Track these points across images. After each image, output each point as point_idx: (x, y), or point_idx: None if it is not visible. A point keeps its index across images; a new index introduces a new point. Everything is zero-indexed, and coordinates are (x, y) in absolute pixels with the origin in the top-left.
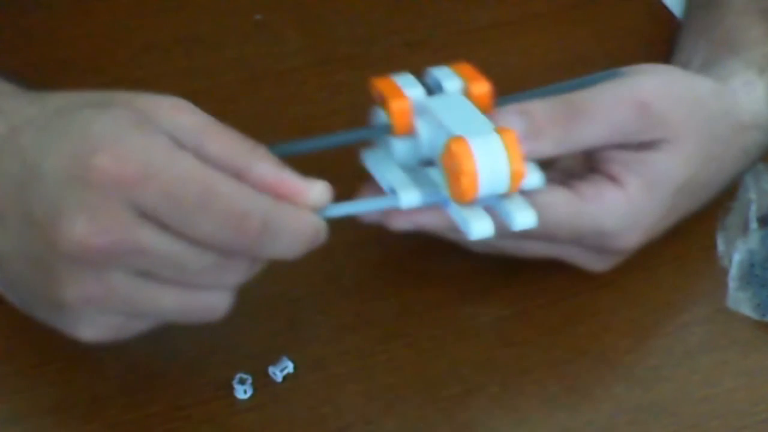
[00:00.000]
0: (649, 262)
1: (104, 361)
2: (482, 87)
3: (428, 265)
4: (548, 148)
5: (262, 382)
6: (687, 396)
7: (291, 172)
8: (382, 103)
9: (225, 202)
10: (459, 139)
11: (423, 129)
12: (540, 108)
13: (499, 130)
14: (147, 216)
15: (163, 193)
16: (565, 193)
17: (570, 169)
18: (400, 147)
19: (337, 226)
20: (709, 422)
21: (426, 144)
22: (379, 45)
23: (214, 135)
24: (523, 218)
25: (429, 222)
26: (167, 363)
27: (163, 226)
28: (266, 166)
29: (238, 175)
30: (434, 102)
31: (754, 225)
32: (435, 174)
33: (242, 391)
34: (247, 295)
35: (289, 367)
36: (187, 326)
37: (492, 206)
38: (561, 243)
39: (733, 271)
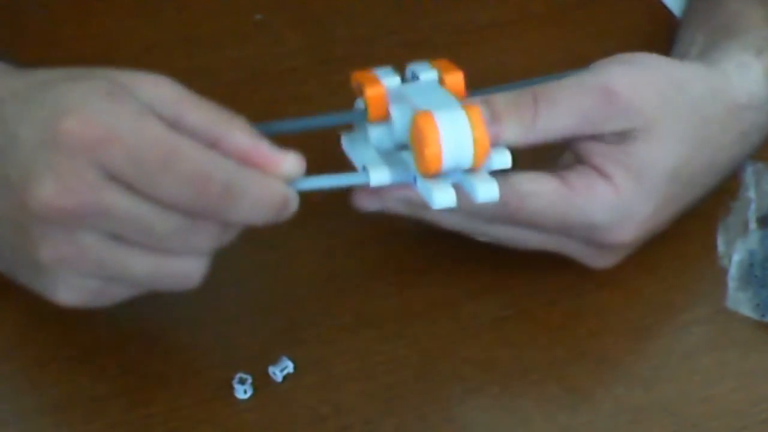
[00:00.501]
0: (649, 262)
1: (104, 361)
2: (456, 77)
3: (428, 265)
4: (512, 135)
5: (262, 382)
6: (687, 396)
7: (267, 143)
8: (360, 92)
9: (188, 164)
10: (424, 112)
11: (397, 115)
12: (502, 97)
13: (465, 106)
14: (113, 178)
15: (128, 155)
16: (553, 182)
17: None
18: (375, 132)
19: (337, 226)
20: (709, 422)
21: (400, 129)
22: (379, 45)
23: (192, 105)
24: (486, 191)
25: (394, 203)
26: (167, 363)
27: (129, 187)
28: (242, 136)
29: (215, 145)
30: (408, 88)
31: (753, 225)
32: (407, 156)
33: (242, 391)
34: (247, 295)
35: (289, 367)
36: (187, 319)
37: (458, 182)
38: (552, 234)
39: (733, 271)
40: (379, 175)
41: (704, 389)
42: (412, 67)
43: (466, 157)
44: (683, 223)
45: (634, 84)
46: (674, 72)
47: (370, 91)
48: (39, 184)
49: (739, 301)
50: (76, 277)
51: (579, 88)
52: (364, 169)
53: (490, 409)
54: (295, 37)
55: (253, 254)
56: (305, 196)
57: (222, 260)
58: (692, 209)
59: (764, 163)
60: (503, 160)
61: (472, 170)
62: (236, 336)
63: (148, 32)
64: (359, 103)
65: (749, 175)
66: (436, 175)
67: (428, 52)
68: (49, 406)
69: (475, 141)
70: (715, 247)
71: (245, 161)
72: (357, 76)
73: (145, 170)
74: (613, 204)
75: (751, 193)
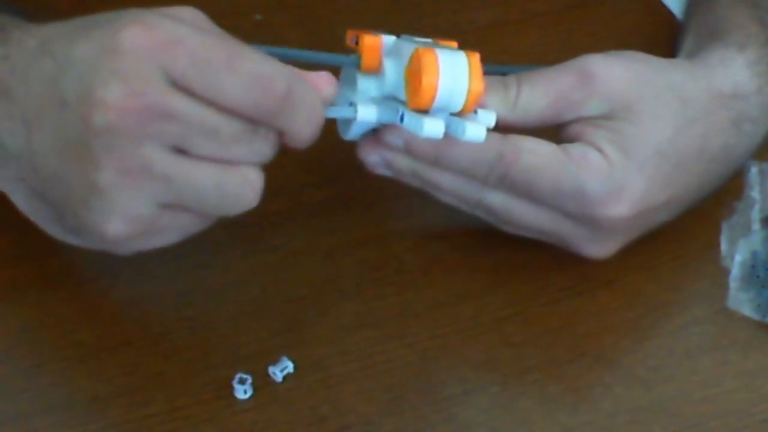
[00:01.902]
0: (649, 262)
1: (104, 361)
2: (449, 43)
3: (428, 265)
4: (495, 111)
5: (262, 382)
6: (687, 396)
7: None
8: (356, 43)
9: (252, 65)
10: (427, 48)
11: (390, 67)
12: (491, 77)
13: (466, 52)
14: (177, 84)
15: (193, 57)
16: (550, 145)
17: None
18: (364, 82)
19: (337, 225)
20: (709, 422)
21: (390, 81)
22: None
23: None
24: (474, 130)
25: (397, 160)
26: (167, 363)
27: (194, 93)
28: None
29: None
30: (404, 42)
31: (756, 225)
32: (394, 103)
33: (242, 391)
34: (247, 295)
35: (289, 367)
36: (187, 319)
37: (446, 126)
38: (546, 208)
39: (735, 272)
40: (367, 111)
41: (704, 389)
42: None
43: (459, 99)
44: (683, 223)
45: (610, 66)
46: (653, 59)
47: (368, 39)
48: (105, 89)
49: (741, 301)
50: (134, 199)
51: (558, 70)
52: (352, 105)
53: (490, 409)
54: (295, 37)
55: (253, 254)
56: (306, 197)
57: (222, 260)
58: (694, 205)
59: None
60: (488, 118)
61: (458, 114)
62: (236, 336)
63: None
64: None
65: (753, 175)
66: (425, 111)
67: None
68: (49, 407)
69: (470, 83)
70: (715, 247)
71: None
72: (353, 32)
73: (211, 72)
74: (605, 174)
75: (755, 193)
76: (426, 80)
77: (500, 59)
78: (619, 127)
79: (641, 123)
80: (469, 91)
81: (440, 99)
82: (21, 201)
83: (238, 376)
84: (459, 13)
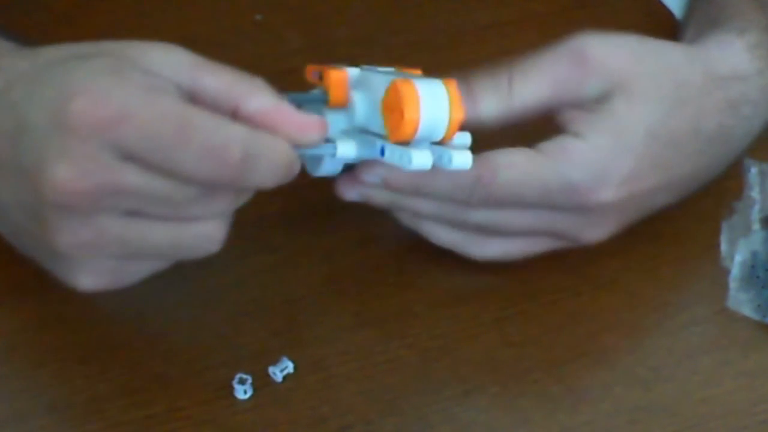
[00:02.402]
0: (649, 263)
1: (104, 361)
2: (414, 71)
3: (428, 265)
4: (489, 107)
5: (262, 382)
6: (687, 396)
7: (288, 105)
8: (319, 78)
9: (204, 135)
10: (405, 79)
11: (359, 101)
12: (479, 73)
13: (444, 80)
14: (128, 157)
15: (141, 133)
16: (525, 152)
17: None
18: (332, 118)
19: (337, 225)
20: (709, 422)
21: (360, 113)
22: (379, 45)
23: (207, 69)
24: (460, 158)
25: (373, 190)
26: (167, 363)
27: (145, 165)
28: (264, 97)
29: (236, 108)
30: (369, 73)
31: (756, 226)
32: (368, 136)
33: (242, 391)
34: (247, 296)
35: (289, 367)
36: (187, 319)
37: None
38: (536, 209)
39: (735, 272)
40: (346, 147)
41: (704, 389)
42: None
43: (440, 128)
44: (683, 223)
45: (606, 46)
46: (648, 39)
47: (333, 74)
48: (53, 170)
49: (741, 301)
50: (95, 260)
51: (551, 55)
52: (329, 141)
53: (490, 409)
54: (295, 37)
55: (252, 254)
56: (305, 197)
57: (222, 260)
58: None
59: None
60: (464, 138)
61: (439, 143)
62: (236, 336)
63: (148, 32)
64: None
65: (753, 175)
66: (406, 143)
67: (428, 52)
68: (49, 407)
69: (451, 112)
70: (715, 247)
71: (267, 124)
72: (313, 67)
73: (160, 146)
74: (588, 160)
75: (755, 193)
76: (408, 114)
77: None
78: (609, 107)
79: (634, 102)
80: (450, 120)
81: (422, 131)
82: (8, 239)
83: (238, 376)
84: (458, 13)
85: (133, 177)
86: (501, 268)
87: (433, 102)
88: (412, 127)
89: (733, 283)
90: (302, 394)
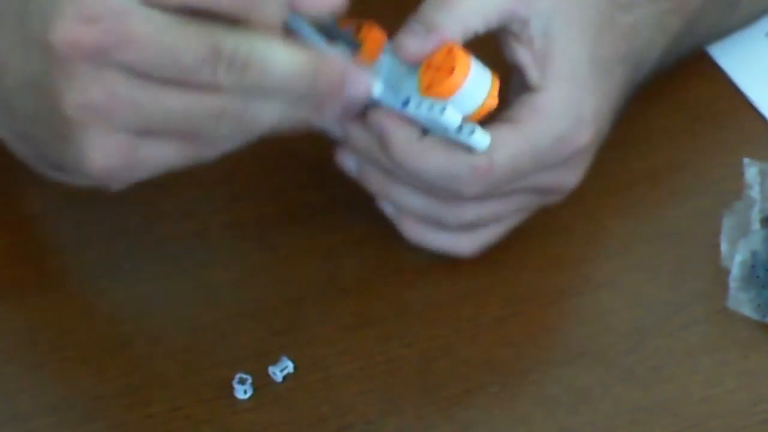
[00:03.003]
0: (649, 262)
1: (104, 361)
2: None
3: (428, 265)
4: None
5: (262, 382)
6: (687, 396)
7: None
8: (355, 31)
9: None
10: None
11: (387, 63)
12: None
13: (492, 72)
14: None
15: None
16: (503, 128)
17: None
18: None
19: (337, 225)
20: (709, 422)
21: (383, 76)
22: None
23: None
24: (482, 136)
25: (370, 175)
26: (167, 363)
27: (156, 13)
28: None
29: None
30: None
31: (756, 225)
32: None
33: (242, 391)
34: (247, 296)
35: (289, 367)
36: (187, 319)
37: (449, 137)
38: (525, 182)
39: (735, 272)
40: (376, 86)
41: (704, 389)
42: None
43: (473, 104)
44: (683, 223)
45: None
46: None
47: (374, 34)
48: (61, 20)
49: (741, 301)
50: (107, 130)
51: None
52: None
53: (490, 409)
54: None
55: (252, 254)
56: (305, 197)
57: (222, 260)
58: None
59: None
60: (484, 138)
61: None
62: (236, 336)
63: None
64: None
65: (753, 175)
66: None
67: None
68: (49, 407)
69: (487, 98)
70: (715, 247)
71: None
72: (347, 20)
73: None
74: (561, 110)
75: (755, 193)
76: (457, 71)
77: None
78: (556, 48)
79: (572, 38)
80: (483, 103)
81: (461, 94)
82: (12, 144)
83: (238, 376)
84: None
85: (141, 25)
86: (501, 268)
87: (478, 78)
88: (457, 84)
89: (733, 283)
90: (302, 394)
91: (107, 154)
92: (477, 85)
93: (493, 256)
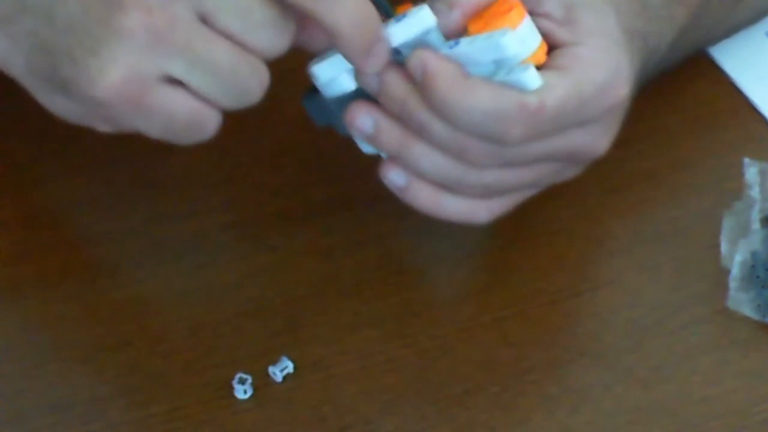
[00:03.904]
0: (649, 262)
1: (104, 361)
2: None
3: (428, 265)
4: None
5: (262, 382)
6: (687, 396)
7: None
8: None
9: None
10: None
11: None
12: None
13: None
14: None
15: None
16: (551, 72)
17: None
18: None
19: (337, 225)
20: (709, 422)
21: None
22: None
23: None
24: (534, 75)
25: (387, 130)
26: (167, 363)
27: None
28: None
29: None
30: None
31: (756, 225)
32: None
33: (242, 391)
34: (247, 296)
35: (289, 367)
36: (187, 319)
37: (498, 77)
38: (566, 134)
39: (735, 272)
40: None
41: (704, 389)
42: None
43: (527, 48)
44: (683, 223)
45: None
46: None
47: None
48: None
49: (741, 301)
50: (147, 56)
51: None
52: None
53: (490, 409)
54: None
55: (253, 254)
56: (305, 197)
57: (222, 260)
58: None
59: None
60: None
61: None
62: (236, 336)
63: None
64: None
65: (753, 174)
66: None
67: None
68: (49, 407)
69: (538, 49)
70: (715, 247)
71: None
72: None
73: None
74: (602, 60)
75: (755, 193)
76: (517, 9)
77: None
78: (586, 11)
79: (593, 3)
80: (535, 52)
81: (518, 32)
82: (21, 59)
83: (238, 376)
84: None
85: None
86: (501, 268)
87: (531, 26)
88: (518, 18)
89: (733, 283)
90: (302, 394)
91: (125, 77)
92: (531, 32)
93: (493, 256)
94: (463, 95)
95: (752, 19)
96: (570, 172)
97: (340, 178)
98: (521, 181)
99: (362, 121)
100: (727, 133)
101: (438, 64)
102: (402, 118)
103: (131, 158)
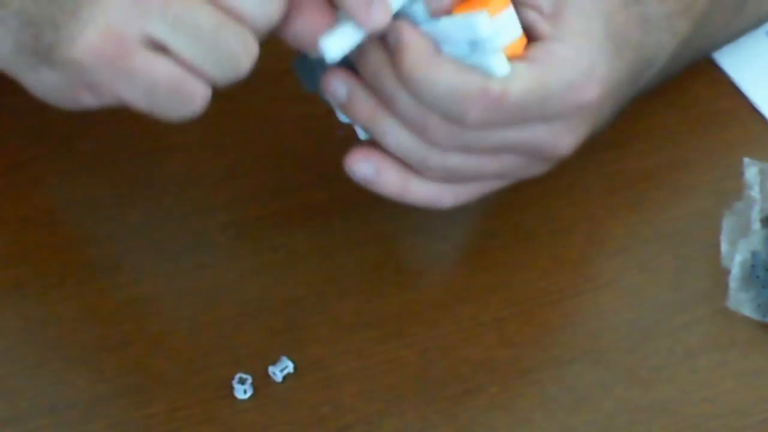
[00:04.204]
0: (649, 262)
1: (104, 361)
2: None
3: (428, 265)
4: None
5: (262, 382)
6: (687, 396)
7: None
8: None
9: None
10: None
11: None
12: None
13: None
14: None
15: None
16: (521, 63)
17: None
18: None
19: (337, 225)
20: (709, 422)
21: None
22: None
23: None
24: (504, 61)
25: (359, 98)
26: (167, 363)
27: None
28: None
29: None
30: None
31: (756, 225)
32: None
33: (242, 391)
34: (247, 296)
35: (289, 367)
36: (187, 319)
37: (470, 60)
38: (527, 127)
39: (735, 272)
40: None
41: (704, 389)
42: None
43: (508, 35)
44: (683, 223)
45: None
46: None
47: None
48: None
49: (741, 301)
50: (128, 15)
51: None
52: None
53: (490, 409)
54: None
55: (253, 254)
56: (305, 197)
57: (222, 260)
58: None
59: None
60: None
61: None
62: (236, 336)
63: None
64: None
65: (753, 174)
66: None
67: None
68: (49, 407)
69: (517, 40)
70: (715, 247)
71: None
72: None
73: None
74: (575, 58)
75: (755, 193)
76: None
77: None
78: (572, 10)
79: (583, 3)
80: (514, 42)
81: (497, 19)
82: (9, 39)
83: (238, 376)
84: None
85: None
86: (501, 268)
87: (512, 17)
88: (504, 5)
89: (733, 283)
90: (302, 394)
91: (106, 37)
92: (511, 22)
93: (493, 256)
94: (429, 70)
95: (755, 25)
96: (535, 169)
97: (340, 178)
98: (483, 169)
99: (337, 87)
100: (727, 133)
101: (411, 38)
102: (374, 88)
103: (131, 158)
